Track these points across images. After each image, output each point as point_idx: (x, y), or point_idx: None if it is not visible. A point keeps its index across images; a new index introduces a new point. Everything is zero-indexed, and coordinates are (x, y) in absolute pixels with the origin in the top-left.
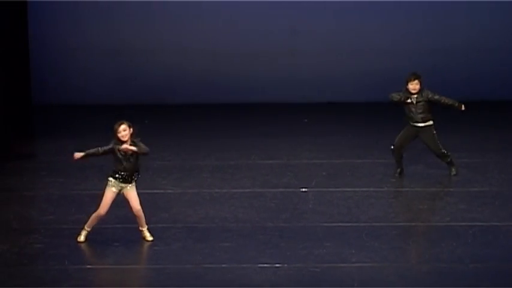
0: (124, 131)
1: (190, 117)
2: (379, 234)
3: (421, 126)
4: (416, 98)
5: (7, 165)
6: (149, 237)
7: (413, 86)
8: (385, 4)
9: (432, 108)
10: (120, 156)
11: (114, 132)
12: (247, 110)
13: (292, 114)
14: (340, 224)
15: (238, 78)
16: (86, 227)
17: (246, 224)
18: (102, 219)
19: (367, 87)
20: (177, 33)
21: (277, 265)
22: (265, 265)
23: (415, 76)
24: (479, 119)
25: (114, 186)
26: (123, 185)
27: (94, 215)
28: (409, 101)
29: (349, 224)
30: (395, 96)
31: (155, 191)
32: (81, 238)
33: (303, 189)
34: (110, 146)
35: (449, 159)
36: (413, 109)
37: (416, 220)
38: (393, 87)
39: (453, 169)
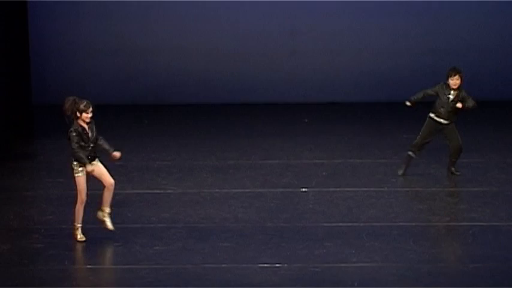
0: (91, 113)
1: (190, 117)
2: (379, 234)
3: (446, 124)
4: (455, 94)
5: (7, 165)
6: (110, 226)
7: (454, 81)
8: (385, 5)
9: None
10: (85, 138)
11: (79, 112)
12: (247, 110)
13: (292, 114)
14: (340, 224)
15: (238, 78)
16: (76, 224)
17: (246, 224)
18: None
19: (367, 87)
20: (176, 33)
21: (277, 265)
22: (265, 265)
23: (456, 71)
24: (479, 119)
25: (80, 169)
26: (88, 165)
27: (78, 207)
28: (445, 96)
29: (350, 224)
30: (430, 91)
31: (155, 191)
32: (80, 236)
33: (303, 189)
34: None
35: (457, 159)
36: (445, 105)
37: (417, 220)
38: (393, 87)
39: (453, 169)
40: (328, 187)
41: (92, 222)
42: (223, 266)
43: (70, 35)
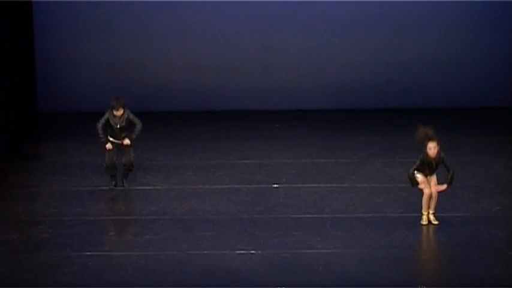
0: (435, 148)
1: (176, 123)
2: (341, 224)
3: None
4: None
5: (16, 165)
6: (434, 221)
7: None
8: (346, 24)
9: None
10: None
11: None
12: (226, 116)
13: (265, 120)
14: (307, 216)
15: (219, 88)
16: (423, 212)
17: (225, 216)
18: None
19: (331, 96)
20: (163, 49)
21: (252, 252)
22: (242, 252)
23: (116, 103)
24: (427, 124)
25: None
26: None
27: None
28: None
29: (315, 216)
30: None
31: (146, 187)
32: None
33: (275, 185)
34: None
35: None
36: (114, 130)
37: (374, 212)
38: (353, 96)
39: (124, 182)
40: (296, 183)
41: (90, 215)
42: (205, 252)
43: (72, 50)
